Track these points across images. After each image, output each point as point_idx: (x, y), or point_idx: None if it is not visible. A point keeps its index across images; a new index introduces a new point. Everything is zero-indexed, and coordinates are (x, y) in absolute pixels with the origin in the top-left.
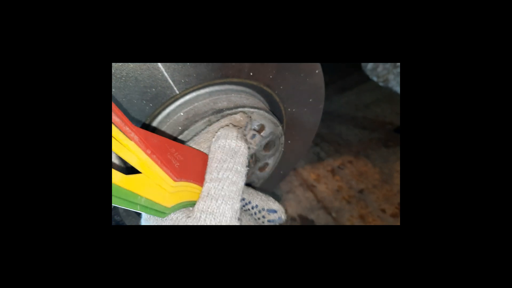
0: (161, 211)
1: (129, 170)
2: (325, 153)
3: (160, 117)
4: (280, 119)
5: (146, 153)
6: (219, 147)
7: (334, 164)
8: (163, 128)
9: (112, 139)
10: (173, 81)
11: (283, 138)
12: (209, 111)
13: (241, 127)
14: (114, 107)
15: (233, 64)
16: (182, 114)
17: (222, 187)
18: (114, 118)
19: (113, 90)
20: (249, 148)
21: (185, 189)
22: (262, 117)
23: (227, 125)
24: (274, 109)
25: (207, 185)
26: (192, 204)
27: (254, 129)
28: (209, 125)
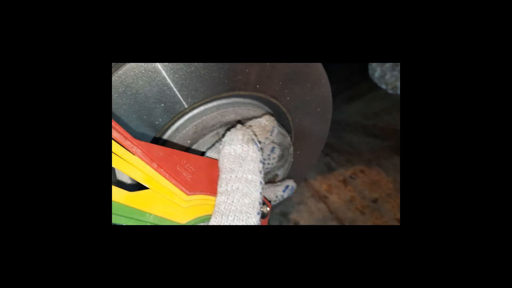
0: None
1: (137, 186)
2: (336, 163)
3: (169, 132)
4: (288, 130)
5: (152, 167)
6: (225, 155)
7: (346, 174)
8: (174, 141)
9: (113, 155)
10: (181, 96)
11: (291, 149)
12: (217, 124)
13: (249, 128)
14: (113, 122)
15: (240, 77)
16: (190, 127)
17: (232, 201)
18: (114, 133)
19: (123, 106)
20: (262, 149)
21: (201, 203)
22: None
23: (235, 127)
24: (282, 120)
25: (217, 199)
26: (209, 218)
27: (273, 141)
28: (219, 139)
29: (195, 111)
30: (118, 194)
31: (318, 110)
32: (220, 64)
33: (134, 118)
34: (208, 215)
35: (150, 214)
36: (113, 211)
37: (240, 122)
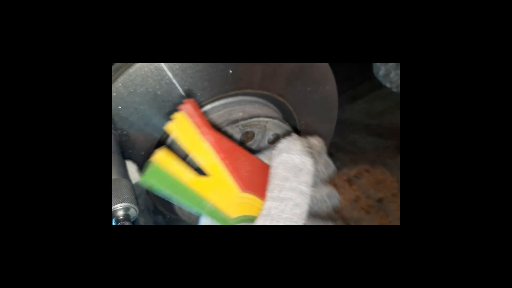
0: (224, 220)
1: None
2: (340, 162)
3: None
4: (294, 128)
5: (219, 156)
6: (281, 162)
7: (350, 174)
8: None
9: (189, 138)
10: (188, 95)
11: None
12: (224, 122)
13: (305, 140)
14: (195, 105)
15: (246, 76)
16: None
17: (284, 209)
18: (194, 117)
19: (133, 105)
20: (316, 162)
21: (249, 202)
22: (276, 127)
23: (291, 136)
24: (288, 119)
25: (268, 203)
26: (252, 219)
27: (326, 160)
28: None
29: (203, 110)
30: (187, 175)
31: (323, 108)
32: (227, 64)
33: (144, 116)
34: (251, 216)
35: (208, 202)
36: (177, 193)
37: (297, 131)
